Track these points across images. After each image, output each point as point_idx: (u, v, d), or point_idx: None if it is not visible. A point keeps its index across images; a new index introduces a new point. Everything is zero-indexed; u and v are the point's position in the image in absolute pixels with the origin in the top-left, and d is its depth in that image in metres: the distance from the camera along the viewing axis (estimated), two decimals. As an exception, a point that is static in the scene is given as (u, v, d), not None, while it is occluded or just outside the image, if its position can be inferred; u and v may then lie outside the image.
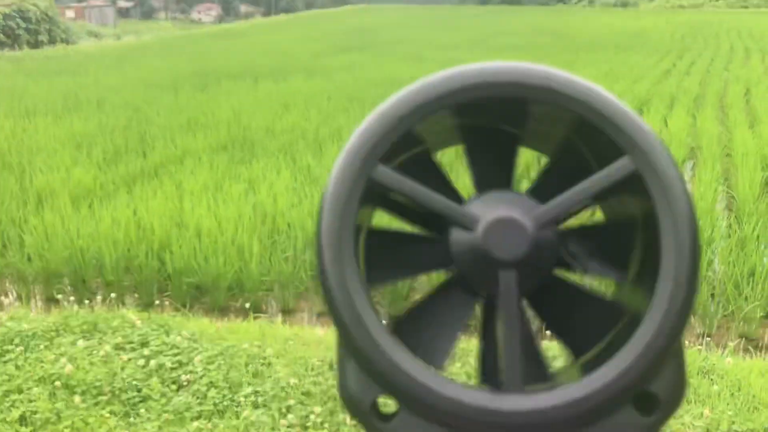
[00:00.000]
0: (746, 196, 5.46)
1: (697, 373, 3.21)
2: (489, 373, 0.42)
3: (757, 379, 3.16)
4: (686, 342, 3.79)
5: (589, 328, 0.42)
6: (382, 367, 0.36)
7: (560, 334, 0.44)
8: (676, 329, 0.36)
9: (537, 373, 0.42)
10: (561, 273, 0.42)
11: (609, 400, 0.36)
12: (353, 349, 0.37)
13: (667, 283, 0.36)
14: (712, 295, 4.21)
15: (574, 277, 0.43)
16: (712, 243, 4.69)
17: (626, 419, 0.37)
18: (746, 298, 4.08)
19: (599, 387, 0.36)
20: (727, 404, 2.96)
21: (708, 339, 3.90)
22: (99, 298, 4.33)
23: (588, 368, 0.37)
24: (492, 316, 0.42)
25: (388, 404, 0.37)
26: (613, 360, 0.36)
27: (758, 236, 4.74)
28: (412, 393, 0.36)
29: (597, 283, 0.45)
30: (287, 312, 4.32)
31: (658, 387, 0.37)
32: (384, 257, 0.42)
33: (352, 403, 0.38)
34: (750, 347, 3.87)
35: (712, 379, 3.17)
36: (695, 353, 3.47)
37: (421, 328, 0.42)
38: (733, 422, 2.84)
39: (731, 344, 3.79)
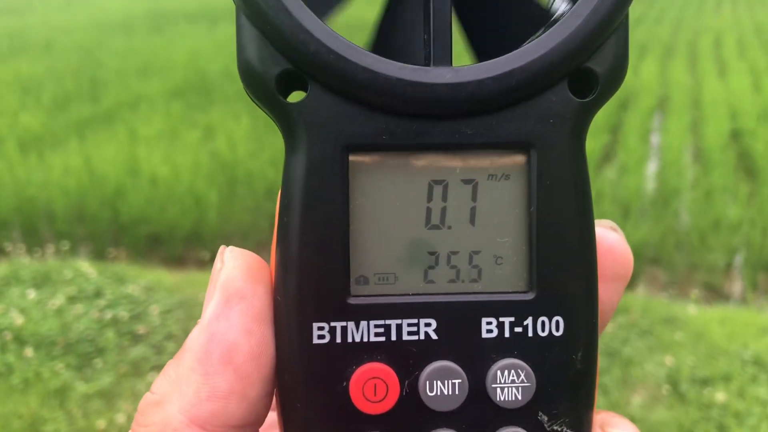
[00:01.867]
0: (713, 147, 5.49)
1: (661, 322, 3.23)
2: (391, 49, 0.37)
3: (718, 328, 3.20)
4: (650, 291, 3.82)
5: (506, 35, 0.38)
6: (289, 32, 0.31)
7: (472, 33, 0.40)
8: (622, 0, 0.32)
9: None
10: None
11: (543, 74, 0.32)
12: (253, 11, 0.32)
13: None
14: (678, 245, 4.24)
15: None
16: (679, 193, 4.72)
17: (560, 99, 0.33)
18: (710, 248, 4.12)
19: (533, 59, 0.31)
20: (689, 352, 2.99)
21: (672, 289, 3.94)
22: (51, 248, 4.18)
23: None
24: None
25: (294, 78, 0.32)
26: (549, 32, 0.32)
27: (723, 186, 4.79)
28: (323, 63, 0.31)
29: None
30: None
31: (597, 64, 0.33)
32: None
33: (252, 80, 0.33)
34: (712, 297, 3.92)
35: (675, 328, 3.19)
36: (659, 303, 3.49)
37: (392, 38, 0.38)
38: (694, 369, 2.87)
39: (694, 294, 3.83)
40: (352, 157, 0.34)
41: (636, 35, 10.81)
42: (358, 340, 0.34)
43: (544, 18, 0.37)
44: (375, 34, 0.39)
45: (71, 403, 2.64)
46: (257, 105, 0.35)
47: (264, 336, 0.34)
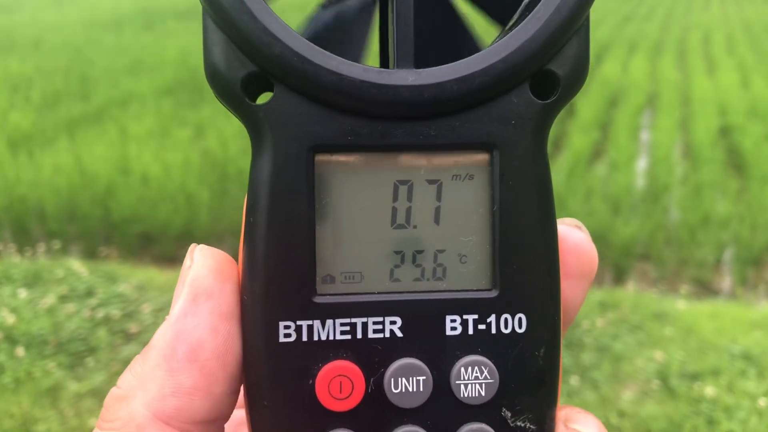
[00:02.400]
0: (702, 143, 5.53)
1: (651, 318, 3.26)
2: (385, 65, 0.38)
3: (707, 323, 3.23)
4: (641, 287, 3.85)
5: (438, 53, 0.39)
6: (254, 35, 0.31)
7: (482, 3, 0.40)
8: (583, 2, 0.33)
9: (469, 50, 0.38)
10: None
11: (504, 76, 0.32)
12: (219, 15, 0.32)
13: None
14: (667, 241, 4.26)
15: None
16: (669, 189, 4.74)
17: (521, 100, 0.33)
18: (699, 244, 4.15)
19: (494, 62, 0.32)
20: (679, 347, 3.02)
21: (662, 285, 3.96)
22: (42, 247, 4.17)
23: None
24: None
25: (260, 81, 0.33)
26: (511, 34, 0.32)
27: (713, 182, 4.82)
28: (289, 65, 0.32)
29: None
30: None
31: (558, 66, 0.34)
32: None
33: (218, 82, 0.33)
34: (702, 292, 3.94)
35: (664, 323, 3.22)
36: (649, 298, 3.52)
37: (327, 30, 0.38)
38: (684, 364, 2.90)
39: (684, 289, 3.86)
40: (317, 158, 0.34)
41: (625, 32, 10.86)
42: (324, 338, 0.35)
43: (473, 47, 0.38)
44: (312, 21, 0.39)
45: (63, 402, 2.63)
46: (225, 107, 0.35)
47: (230, 334, 0.34)
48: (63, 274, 3.48)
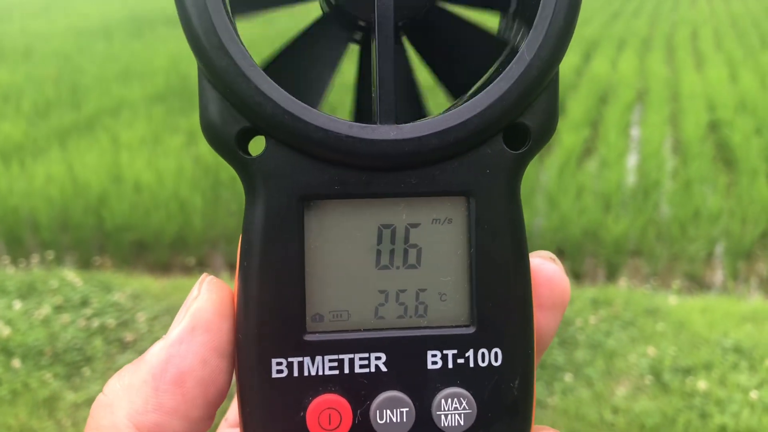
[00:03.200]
0: (692, 138, 5.55)
1: (643, 314, 3.28)
2: (365, 114, 0.41)
3: (699, 317, 3.25)
4: (633, 283, 3.87)
5: (470, 64, 0.41)
6: (247, 95, 0.35)
7: (440, 72, 0.42)
8: (551, 61, 0.36)
9: (416, 113, 0.42)
10: (443, 5, 0.41)
11: (479, 130, 0.36)
12: (215, 77, 0.35)
13: (545, 14, 0.35)
14: (659, 236, 4.29)
15: (456, 10, 0.41)
16: (659, 185, 4.77)
17: (495, 151, 0.37)
18: (691, 239, 4.18)
19: (470, 117, 0.35)
20: (671, 342, 3.04)
21: (654, 281, 3.98)
22: (36, 258, 4.17)
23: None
24: (369, 55, 0.41)
25: (253, 135, 0.36)
26: (485, 91, 0.35)
27: (702, 177, 4.84)
28: (279, 122, 0.35)
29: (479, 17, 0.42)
30: (233, 267, 4.24)
31: (529, 119, 0.37)
32: None
33: (214, 136, 0.36)
34: (694, 286, 3.97)
35: (657, 319, 3.24)
36: (641, 294, 3.54)
37: (292, 67, 0.40)
38: (676, 359, 2.92)
39: (675, 284, 3.89)
40: (306, 206, 0.37)
41: (614, 29, 10.89)
42: (314, 373, 0.37)
43: (499, 45, 0.40)
44: (279, 56, 0.41)
45: (60, 412, 2.64)
46: (221, 157, 0.38)
47: (217, 368, 0.36)
48: (57, 284, 3.49)
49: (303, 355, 0.37)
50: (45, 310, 3.23)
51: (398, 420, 0.37)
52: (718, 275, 4.12)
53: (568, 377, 2.83)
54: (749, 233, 4.17)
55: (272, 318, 0.37)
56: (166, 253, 4.28)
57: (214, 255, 4.37)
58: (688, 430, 2.52)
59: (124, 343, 3.06)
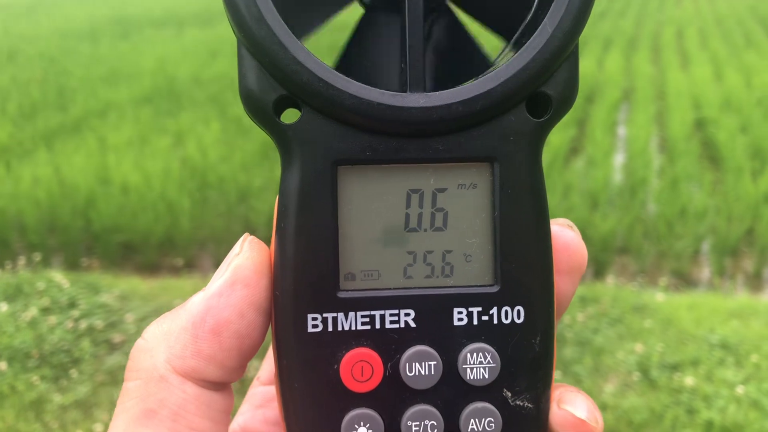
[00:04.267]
0: (678, 137, 5.59)
1: (631, 311, 3.30)
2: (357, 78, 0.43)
3: (686, 314, 3.27)
4: (621, 281, 3.89)
5: (451, 72, 0.44)
6: (284, 64, 0.37)
7: (490, 21, 0.44)
8: (572, 33, 0.38)
9: (482, 70, 0.43)
10: (453, 5, 0.43)
11: (503, 99, 0.38)
12: (254, 46, 0.37)
13: None
14: (646, 234, 4.31)
15: (462, 17, 0.44)
16: (646, 183, 4.80)
17: (519, 119, 0.39)
18: (677, 236, 4.21)
19: (494, 86, 0.37)
20: (658, 339, 3.06)
21: (641, 278, 4.01)
22: (23, 260, 4.14)
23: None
24: (374, 22, 0.43)
25: (289, 103, 0.38)
26: (510, 61, 0.38)
27: (689, 175, 4.88)
28: (315, 90, 0.37)
29: None
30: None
31: (551, 88, 0.39)
32: (296, 6, 0.42)
33: (252, 104, 0.38)
34: (681, 283, 4.00)
35: (644, 316, 3.26)
36: (629, 292, 3.56)
37: (360, 61, 0.43)
38: (664, 355, 2.94)
39: (663, 281, 3.91)
40: (340, 171, 0.39)
41: (600, 29, 10.94)
42: (347, 328, 0.39)
43: (483, 65, 0.43)
44: (343, 54, 0.43)
45: (48, 415, 2.63)
46: (257, 125, 0.39)
47: (253, 321, 0.39)
48: (44, 286, 3.47)
49: (337, 311, 0.39)
50: (32, 312, 3.21)
51: (426, 373, 0.40)
52: (705, 272, 4.15)
53: (556, 375, 2.84)
54: (735, 230, 4.20)
55: (307, 276, 0.39)
56: (154, 254, 4.27)
57: (202, 256, 4.36)
58: (676, 425, 2.54)
59: (112, 344, 3.05)
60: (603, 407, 2.65)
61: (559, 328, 3.12)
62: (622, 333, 3.13)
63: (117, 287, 3.51)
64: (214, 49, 9.54)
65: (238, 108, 6.44)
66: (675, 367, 2.87)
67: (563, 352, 2.97)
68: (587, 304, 3.34)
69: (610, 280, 3.87)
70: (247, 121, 5.97)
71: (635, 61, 8.57)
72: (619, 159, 5.48)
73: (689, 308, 3.35)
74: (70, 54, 9.67)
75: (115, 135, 5.76)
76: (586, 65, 8.05)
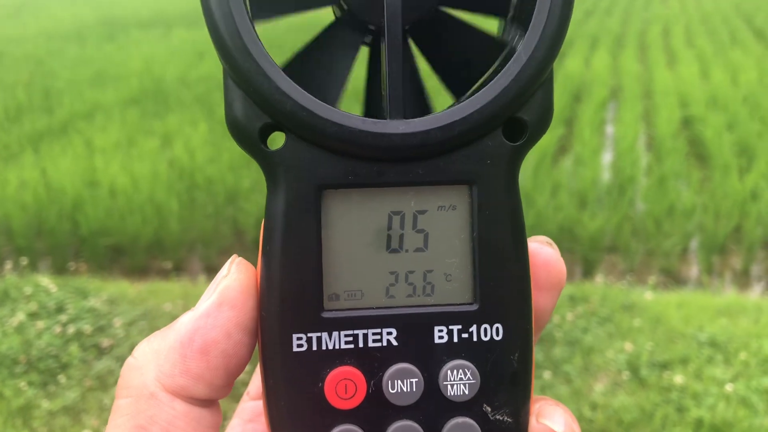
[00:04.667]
0: (665, 135, 5.61)
1: (620, 309, 3.31)
2: (374, 109, 0.45)
3: (675, 312, 3.29)
4: (610, 279, 3.91)
5: (471, 65, 0.44)
6: (269, 93, 0.38)
7: (443, 72, 0.46)
8: (546, 60, 0.39)
9: (422, 108, 0.46)
10: (446, 9, 0.44)
11: (480, 124, 0.39)
12: (239, 77, 0.38)
13: (540, 16, 0.39)
14: (634, 232, 4.33)
15: (459, 14, 0.44)
16: (634, 181, 4.81)
17: (495, 143, 0.40)
18: (666, 234, 4.22)
19: (472, 112, 0.39)
20: (647, 337, 3.07)
21: (630, 276, 4.02)
22: (9, 264, 4.11)
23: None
24: (377, 56, 0.45)
25: (273, 130, 0.40)
26: (485, 88, 0.39)
27: (676, 173, 4.90)
28: (298, 118, 0.38)
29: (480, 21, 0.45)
30: (211, 269, 4.21)
31: (527, 113, 0.41)
32: None
33: (238, 131, 0.40)
34: (669, 282, 4.01)
35: (633, 315, 3.27)
36: (618, 290, 3.57)
37: (310, 69, 0.44)
38: (653, 353, 2.95)
39: (651, 280, 3.93)
40: (323, 195, 0.40)
41: (587, 28, 10.99)
42: (331, 347, 0.41)
43: (498, 46, 0.43)
44: (297, 56, 0.44)
45: (36, 421, 2.61)
46: (244, 151, 0.40)
47: (240, 341, 0.40)
48: (32, 290, 3.44)
49: (321, 331, 0.40)
50: (19, 317, 3.19)
51: (408, 390, 0.41)
52: (693, 270, 4.18)
53: (546, 374, 2.84)
54: (722, 228, 4.23)
55: (293, 297, 0.40)
56: (143, 257, 4.25)
57: (191, 258, 4.34)
58: (666, 424, 2.55)
59: (100, 348, 3.03)
60: (593, 406, 2.66)
61: (548, 328, 3.13)
62: (612, 332, 3.14)
63: (105, 291, 3.49)
64: (202, 49, 9.49)
65: (226, 109, 6.40)
66: (664, 366, 2.88)
67: (553, 351, 2.98)
68: (576, 304, 3.35)
69: (599, 278, 3.88)
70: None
71: (622, 59, 8.61)
72: (607, 157, 5.50)
73: (678, 306, 3.37)
74: (57, 56, 9.60)
75: (102, 137, 5.73)
76: (573, 64, 8.08)
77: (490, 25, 0.46)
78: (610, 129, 6.20)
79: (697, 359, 2.90)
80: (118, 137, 5.75)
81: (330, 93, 0.43)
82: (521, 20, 0.42)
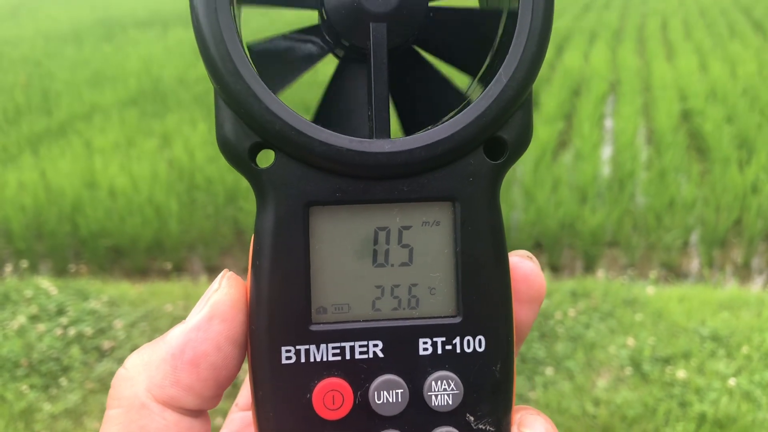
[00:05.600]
0: (664, 128, 5.60)
1: (622, 305, 3.30)
2: (323, 119, 0.45)
3: (677, 306, 3.28)
4: (611, 274, 3.90)
5: (429, 110, 0.46)
6: (259, 114, 0.39)
7: (401, 104, 0.47)
8: (525, 82, 0.41)
9: (456, 103, 0.46)
10: (419, 49, 0.46)
11: (462, 143, 0.41)
12: (229, 98, 0.40)
13: (519, 40, 0.41)
14: (635, 227, 4.32)
15: (429, 58, 0.46)
16: (634, 175, 4.81)
17: (477, 162, 0.42)
18: (666, 228, 4.22)
19: (454, 132, 0.40)
20: (649, 332, 3.07)
21: (631, 271, 4.02)
22: (9, 267, 4.11)
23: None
24: (347, 73, 0.46)
25: (263, 149, 0.41)
26: (467, 109, 0.41)
27: (676, 167, 4.89)
28: (287, 138, 0.39)
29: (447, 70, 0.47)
30: (211, 269, 4.21)
31: (507, 133, 0.42)
32: (272, 62, 0.44)
33: (229, 150, 0.41)
34: (671, 275, 4.01)
35: (635, 310, 3.26)
36: (619, 285, 3.56)
37: (335, 111, 0.45)
38: (655, 348, 2.94)
39: (653, 274, 3.92)
40: (311, 211, 0.41)
41: (585, 22, 10.97)
42: (318, 359, 0.42)
43: (459, 98, 0.45)
44: (321, 103, 0.46)
45: (38, 424, 2.60)
46: (234, 169, 0.42)
47: (229, 354, 0.41)
48: (32, 293, 3.44)
49: (309, 343, 0.42)
50: (20, 320, 3.18)
51: (394, 400, 0.42)
52: (694, 264, 4.17)
53: (549, 371, 2.84)
54: (723, 221, 4.22)
55: (281, 310, 0.41)
56: (143, 258, 4.24)
57: (191, 258, 4.33)
58: (669, 419, 2.55)
59: (102, 351, 3.03)
60: (596, 402, 2.65)
61: (551, 324, 3.13)
62: (614, 327, 3.14)
63: (105, 293, 3.49)
64: (199, 49, 9.45)
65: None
66: (667, 361, 2.88)
67: (555, 347, 2.97)
68: (578, 299, 3.34)
69: (601, 273, 3.88)
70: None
71: (621, 53, 8.59)
72: (606, 152, 5.50)
73: (679, 301, 3.36)
74: (55, 57, 9.59)
75: (100, 138, 5.72)
76: (572, 59, 8.07)
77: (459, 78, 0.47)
78: (609, 123, 6.19)
79: (700, 354, 2.89)
80: (116, 138, 5.74)
81: (361, 126, 0.44)
82: (484, 80, 0.43)
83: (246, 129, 0.40)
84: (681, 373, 2.76)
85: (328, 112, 0.45)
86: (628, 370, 2.83)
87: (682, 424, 2.52)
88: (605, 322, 3.16)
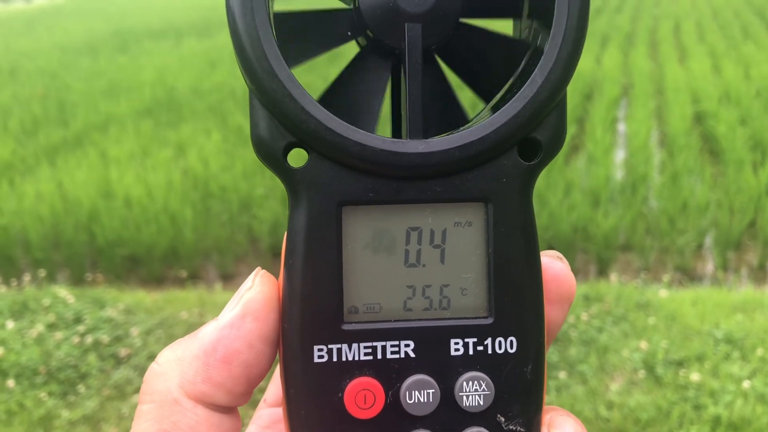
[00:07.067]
0: (677, 131, 5.58)
1: (635, 308, 3.30)
2: (398, 130, 0.48)
3: (690, 309, 3.27)
4: (624, 278, 3.89)
5: (497, 70, 0.46)
6: (294, 114, 0.40)
7: (471, 79, 0.47)
8: (560, 84, 0.41)
9: (458, 122, 0.47)
10: (467, 21, 0.46)
11: (496, 144, 0.41)
12: (265, 97, 0.40)
13: (555, 41, 0.41)
14: (648, 230, 4.31)
15: (480, 23, 0.46)
16: (647, 179, 4.79)
17: (510, 163, 0.42)
18: (680, 231, 4.20)
19: (488, 133, 0.40)
20: (663, 335, 3.06)
21: (645, 275, 4.00)
22: (28, 277, 4.16)
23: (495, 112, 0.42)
24: (364, 63, 0.46)
25: (297, 148, 0.41)
26: (501, 110, 0.41)
27: (690, 169, 4.87)
28: (321, 137, 0.40)
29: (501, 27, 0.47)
30: (226, 277, 4.24)
31: (541, 134, 0.42)
32: (294, 35, 0.45)
33: (263, 150, 0.41)
34: (685, 279, 3.99)
35: (648, 313, 3.26)
36: (632, 289, 3.56)
37: (344, 99, 0.45)
38: (669, 352, 2.94)
39: (666, 277, 3.91)
40: (344, 211, 0.42)
41: (597, 25, 10.94)
42: (350, 358, 0.42)
43: (520, 46, 0.45)
44: (330, 90, 0.46)
45: (57, 431, 2.64)
46: (268, 168, 0.42)
47: (261, 352, 0.41)
48: (50, 302, 3.48)
49: (341, 343, 0.42)
50: (38, 328, 3.23)
51: (425, 400, 0.42)
52: (709, 266, 4.15)
53: (562, 374, 2.84)
54: (737, 223, 4.20)
55: (314, 310, 0.42)
56: (159, 266, 4.29)
57: (206, 266, 4.37)
58: (683, 422, 2.54)
59: (118, 358, 3.06)
60: (609, 406, 2.65)
61: (564, 328, 3.13)
62: (627, 331, 3.13)
63: (122, 301, 3.53)
64: (213, 59, 9.57)
65: (238, 117, 6.47)
66: (680, 364, 2.87)
67: (569, 351, 2.98)
68: (591, 303, 3.34)
69: (614, 277, 3.87)
70: (248, 129, 5.95)
71: (633, 56, 8.57)
72: (619, 155, 5.48)
73: (693, 303, 3.35)
74: (70, 68, 9.71)
75: (116, 148, 5.79)
76: (584, 62, 8.05)
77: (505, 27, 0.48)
78: (622, 127, 6.18)
79: (714, 356, 2.88)
80: (132, 148, 5.80)
81: (365, 118, 0.45)
82: (537, 16, 0.43)
83: (280, 129, 0.41)
84: (695, 376, 2.75)
85: (335, 95, 0.45)
86: (642, 374, 2.82)
87: (696, 427, 2.51)
88: (618, 326, 3.16)
